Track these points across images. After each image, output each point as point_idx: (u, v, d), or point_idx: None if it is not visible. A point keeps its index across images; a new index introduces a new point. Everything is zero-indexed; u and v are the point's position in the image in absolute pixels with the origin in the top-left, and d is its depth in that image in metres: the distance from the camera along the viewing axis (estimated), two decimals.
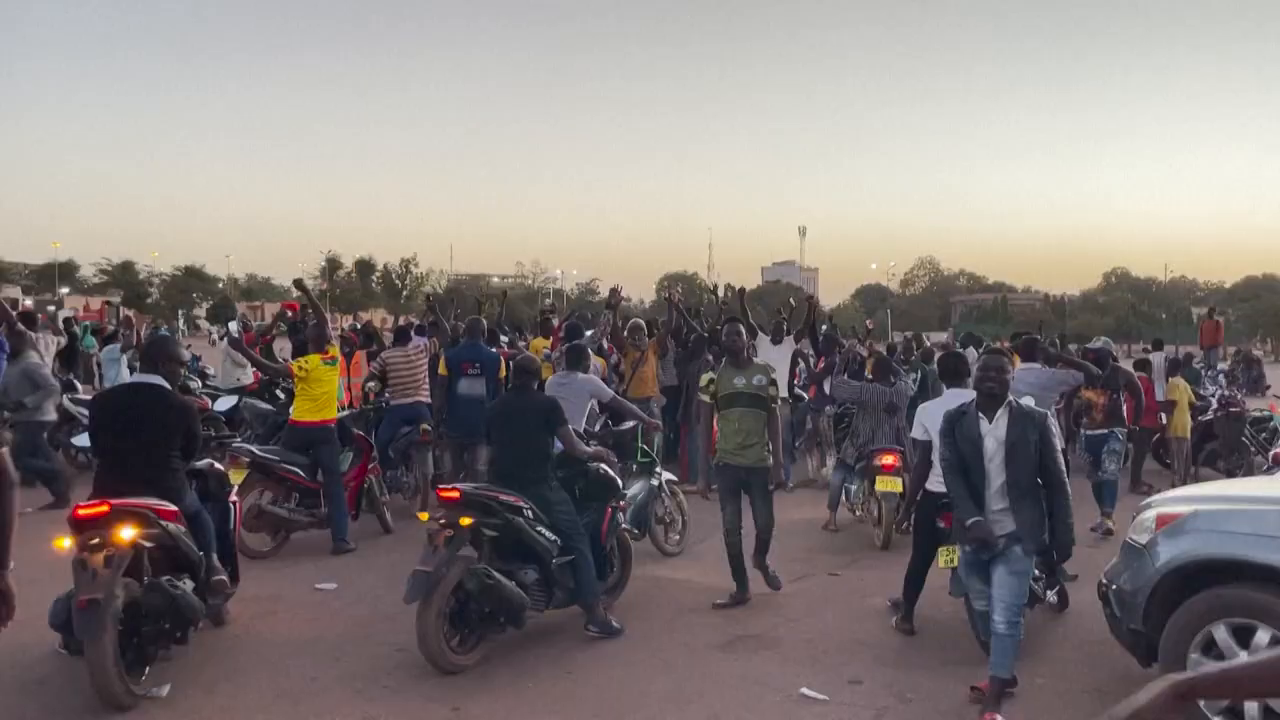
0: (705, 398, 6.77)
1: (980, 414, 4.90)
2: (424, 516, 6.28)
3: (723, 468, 6.66)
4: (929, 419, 5.98)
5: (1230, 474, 11.65)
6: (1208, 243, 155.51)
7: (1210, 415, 12.79)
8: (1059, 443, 5.93)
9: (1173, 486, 11.28)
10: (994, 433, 4.85)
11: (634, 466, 7.82)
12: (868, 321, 22.71)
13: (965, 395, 6.02)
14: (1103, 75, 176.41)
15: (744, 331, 6.73)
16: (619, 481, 6.43)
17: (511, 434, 5.97)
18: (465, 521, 5.44)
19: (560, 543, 5.77)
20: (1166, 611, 4.63)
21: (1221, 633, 4.43)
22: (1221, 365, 23.18)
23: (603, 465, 6.35)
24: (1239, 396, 14.09)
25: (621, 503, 6.49)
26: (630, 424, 7.93)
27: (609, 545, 6.31)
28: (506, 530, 5.57)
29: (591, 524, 6.11)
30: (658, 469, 7.93)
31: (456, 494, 5.52)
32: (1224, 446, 12.32)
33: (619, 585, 6.52)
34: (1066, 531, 4.92)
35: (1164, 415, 12.03)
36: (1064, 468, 4.97)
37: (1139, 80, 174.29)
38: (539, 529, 5.68)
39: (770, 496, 6.63)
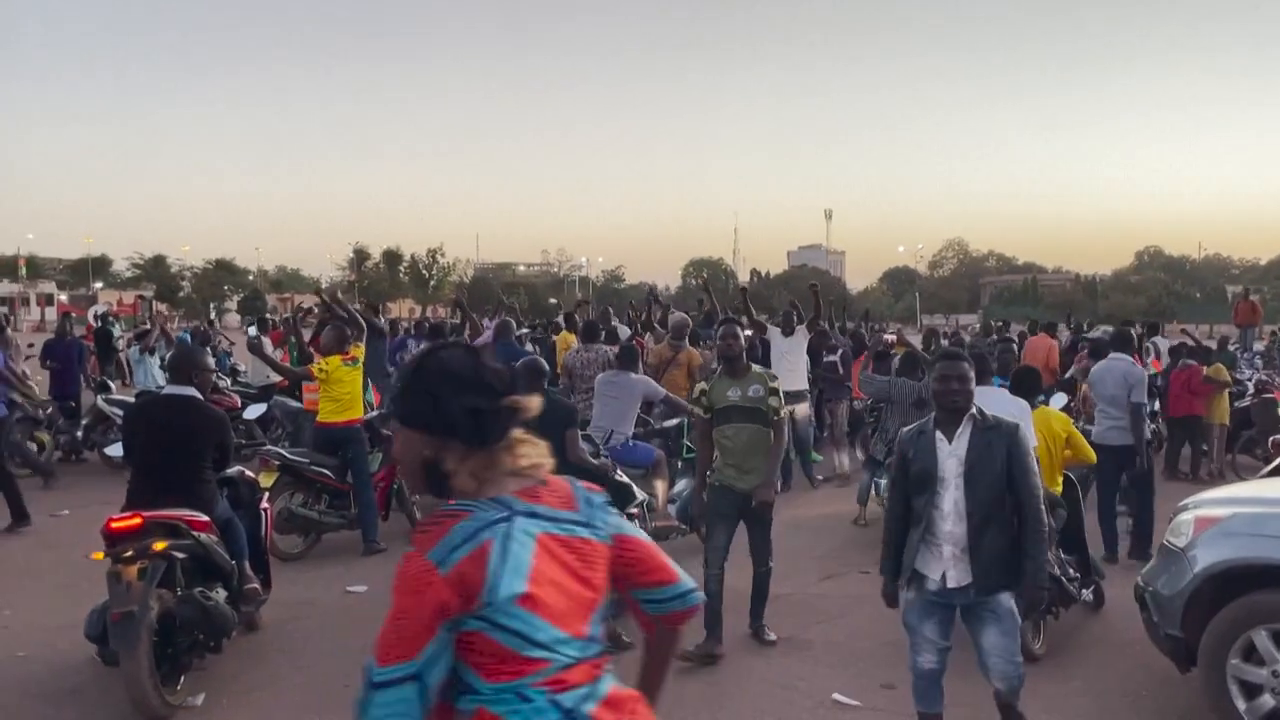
0: (699, 410, 5.84)
1: (939, 432, 4.03)
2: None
3: (720, 489, 5.80)
4: None
5: (1268, 461, 11.44)
6: (1242, 219, 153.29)
7: (1247, 401, 12.54)
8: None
9: (1209, 475, 11.17)
10: (954, 453, 3.97)
11: (679, 463, 7.82)
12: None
13: (990, 393, 5.96)
14: (1132, 51, 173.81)
15: (740, 335, 5.81)
16: (634, 487, 6.33)
17: None
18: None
19: None
20: (1205, 617, 4.55)
21: (1262, 639, 4.35)
22: (1258, 345, 22.75)
23: (618, 471, 6.26)
24: (1277, 380, 13.82)
25: (635, 510, 6.26)
26: (676, 420, 7.91)
27: None
28: None
29: None
30: None
31: None
32: (1261, 433, 12.07)
33: None
34: (1037, 572, 3.93)
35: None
36: (1038, 487, 4.01)
37: (1170, 55, 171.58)
38: None
39: (770, 530, 5.80)
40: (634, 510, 6.25)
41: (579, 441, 5.89)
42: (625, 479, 6.29)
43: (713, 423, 5.76)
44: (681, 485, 7.65)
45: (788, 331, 10.62)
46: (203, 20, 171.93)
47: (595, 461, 6.08)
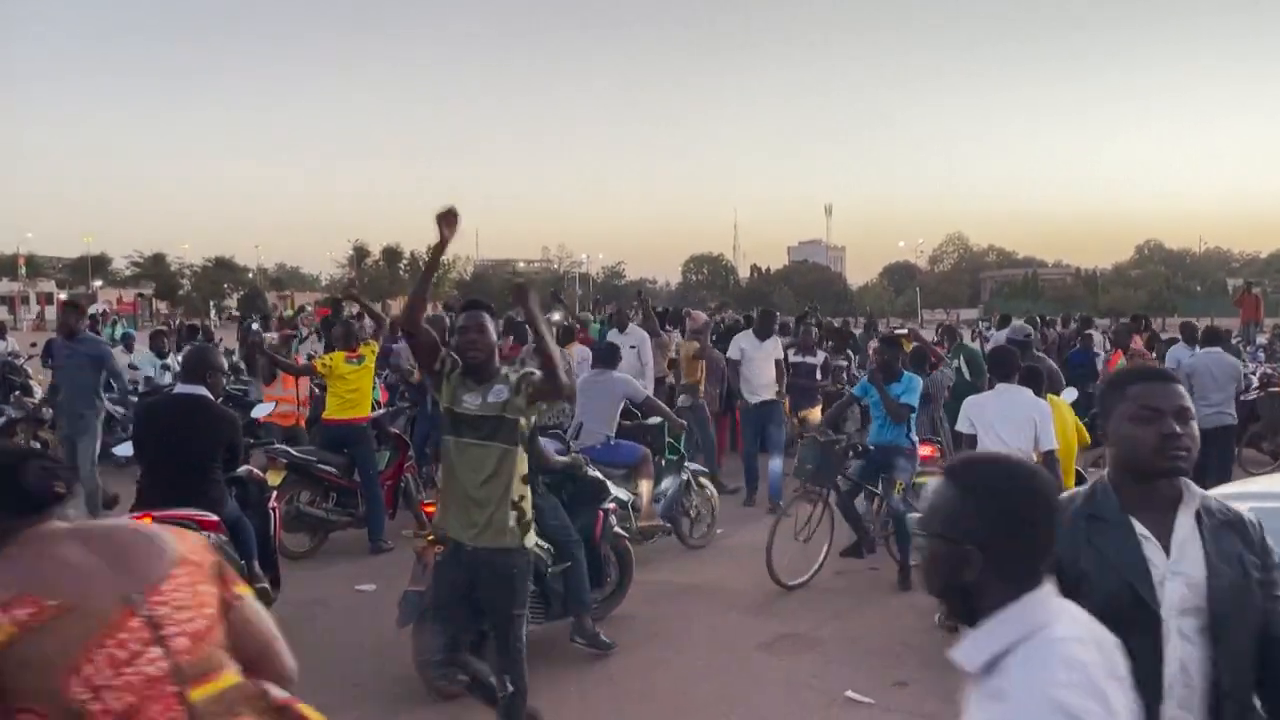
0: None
1: (1136, 522, 2.10)
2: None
3: (442, 559, 4.20)
4: (975, 412, 5.90)
5: (1276, 456, 11.43)
6: (1243, 212, 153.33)
7: (1252, 395, 12.51)
8: None
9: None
10: (1180, 569, 2.06)
11: (663, 461, 7.83)
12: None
13: (1016, 392, 5.90)
14: (1132, 44, 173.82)
15: (488, 329, 4.06)
16: (608, 483, 6.19)
17: None
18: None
19: (554, 551, 5.52)
20: None
21: None
22: (1260, 339, 22.72)
23: (589, 467, 6.18)
24: None
25: (612, 505, 6.10)
26: (658, 419, 7.92)
27: (604, 550, 6.01)
28: None
29: (583, 529, 5.77)
30: (687, 463, 8.01)
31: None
32: (1267, 427, 12.03)
33: (618, 591, 6.22)
34: None
35: None
36: None
37: (1169, 49, 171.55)
38: None
39: (517, 628, 4.03)
40: (610, 505, 6.10)
41: (541, 448, 5.64)
42: (598, 474, 6.21)
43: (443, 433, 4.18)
44: (666, 484, 7.69)
45: (763, 334, 9.76)
46: (201, 18, 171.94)
47: (563, 460, 5.93)
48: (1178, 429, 2.06)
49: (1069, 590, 1.93)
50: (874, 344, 14.08)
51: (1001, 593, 1.61)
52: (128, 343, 14.25)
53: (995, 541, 1.61)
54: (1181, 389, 2.15)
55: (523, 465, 4.03)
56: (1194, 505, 2.11)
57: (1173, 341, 12.60)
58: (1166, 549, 2.08)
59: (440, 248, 4.02)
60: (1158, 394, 2.11)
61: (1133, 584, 2.05)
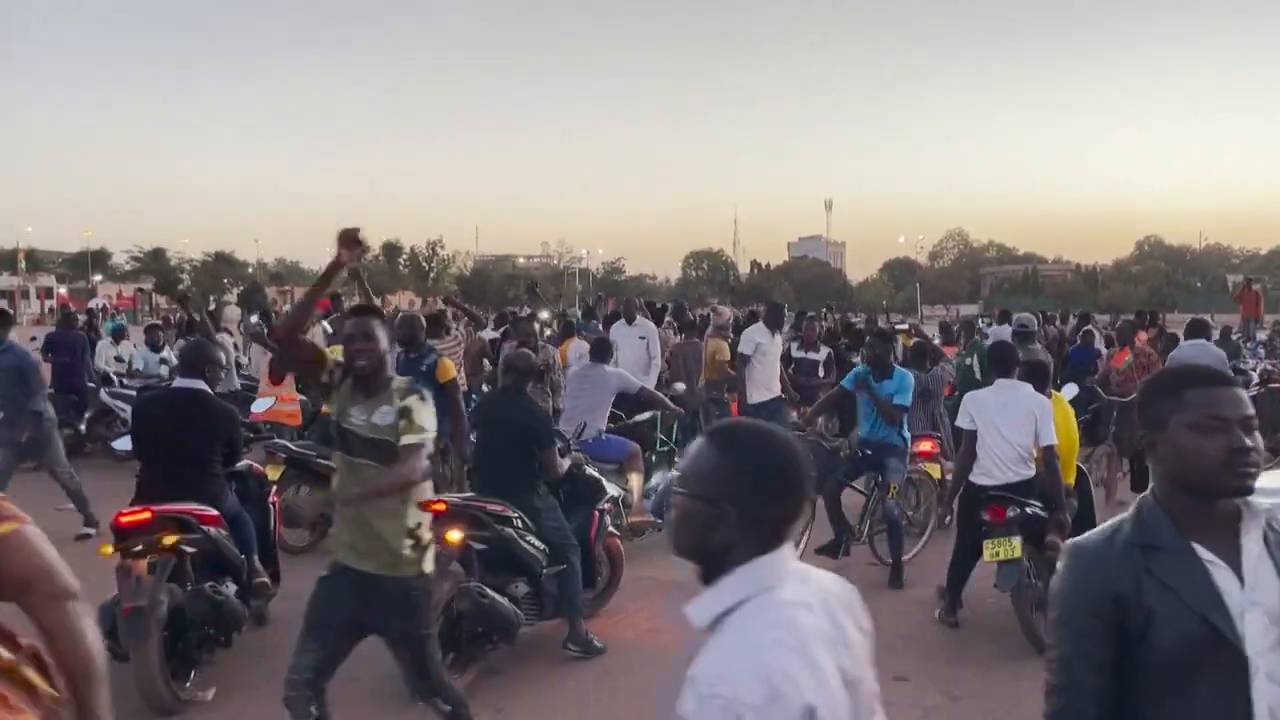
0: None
1: (1200, 549, 1.83)
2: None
3: (331, 574, 3.84)
4: (975, 407, 5.89)
5: (1275, 452, 11.42)
6: (1242, 209, 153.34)
7: (1252, 390, 12.51)
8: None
9: None
10: (1255, 598, 1.79)
11: (653, 457, 7.80)
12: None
13: (1016, 388, 5.90)
14: (1132, 41, 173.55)
15: (377, 335, 3.67)
16: (604, 482, 6.17)
17: (499, 440, 5.58)
18: (453, 540, 5.04)
19: (549, 553, 5.48)
20: None
21: None
22: (1260, 335, 22.68)
23: (588, 465, 6.12)
24: None
25: (608, 505, 6.07)
26: (647, 414, 7.89)
27: (597, 550, 6.00)
28: (495, 542, 5.24)
29: (578, 529, 5.75)
30: (678, 458, 7.98)
31: (444, 506, 5.18)
32: (1267, 424, 12.00)
33: (608, 590, 6.24)
34: None
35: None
36: None
37: (1169, 45, 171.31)
38: (528, 539, 5.39)
39: (427, 647, 3.84)
40: (605, 505, 6.06)
41: (555, 458, 5.60)
42: (595, 474, 6.19)
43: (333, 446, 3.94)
44: (656, 479, 7.66)
45: (775, 326, 9.25)
46: (202, 13, 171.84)
47: (566, 462, 5.88)
48: (1247, 442, 1.83)
49: (1138, 632, 1.81)
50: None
51: (745, 554, 1.65)
52: (118, 335, 14.30)
53: (749, 503, 1.64)
54: (1245, 395, 1.89)
55: (420, 491, 3.75)
56: (1259, 522, 1.86)
57: (1175, 339, 12.63)
58: (1239, 575, 1.81)
59: (334, 268, 3.84)
60: (1223, 401, 1.85)
61: (1209, 619, 1.77)
